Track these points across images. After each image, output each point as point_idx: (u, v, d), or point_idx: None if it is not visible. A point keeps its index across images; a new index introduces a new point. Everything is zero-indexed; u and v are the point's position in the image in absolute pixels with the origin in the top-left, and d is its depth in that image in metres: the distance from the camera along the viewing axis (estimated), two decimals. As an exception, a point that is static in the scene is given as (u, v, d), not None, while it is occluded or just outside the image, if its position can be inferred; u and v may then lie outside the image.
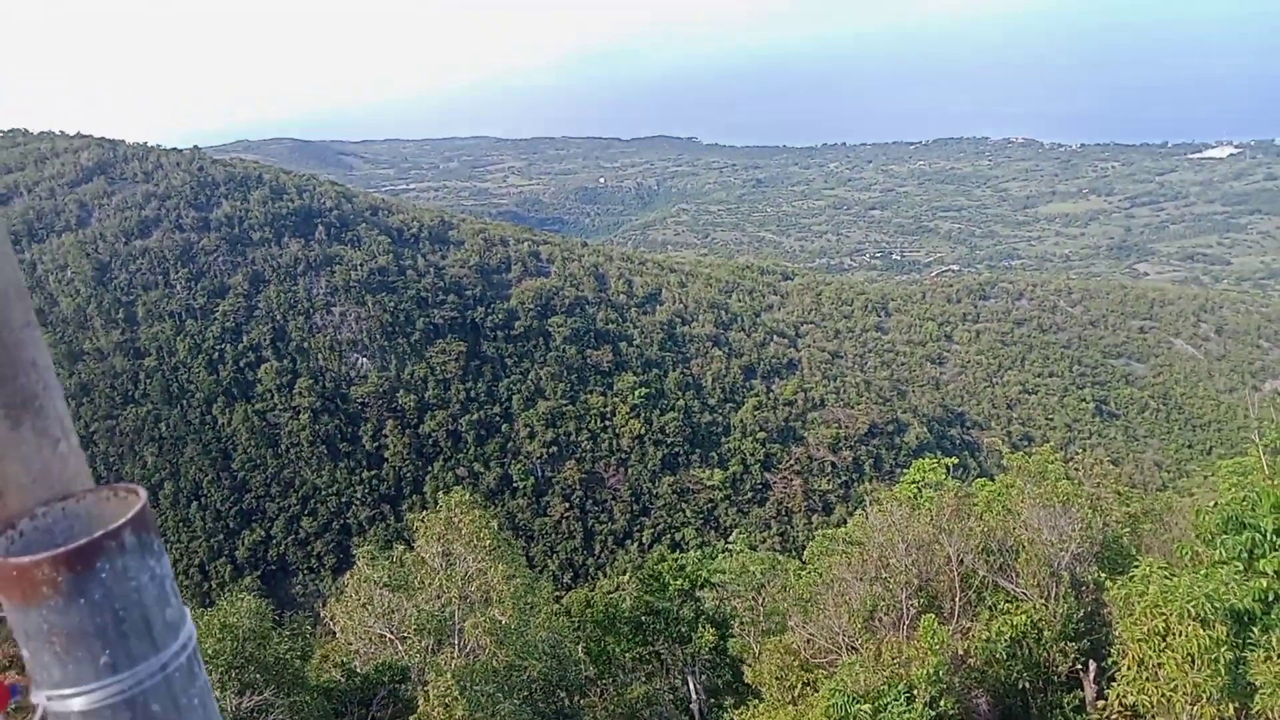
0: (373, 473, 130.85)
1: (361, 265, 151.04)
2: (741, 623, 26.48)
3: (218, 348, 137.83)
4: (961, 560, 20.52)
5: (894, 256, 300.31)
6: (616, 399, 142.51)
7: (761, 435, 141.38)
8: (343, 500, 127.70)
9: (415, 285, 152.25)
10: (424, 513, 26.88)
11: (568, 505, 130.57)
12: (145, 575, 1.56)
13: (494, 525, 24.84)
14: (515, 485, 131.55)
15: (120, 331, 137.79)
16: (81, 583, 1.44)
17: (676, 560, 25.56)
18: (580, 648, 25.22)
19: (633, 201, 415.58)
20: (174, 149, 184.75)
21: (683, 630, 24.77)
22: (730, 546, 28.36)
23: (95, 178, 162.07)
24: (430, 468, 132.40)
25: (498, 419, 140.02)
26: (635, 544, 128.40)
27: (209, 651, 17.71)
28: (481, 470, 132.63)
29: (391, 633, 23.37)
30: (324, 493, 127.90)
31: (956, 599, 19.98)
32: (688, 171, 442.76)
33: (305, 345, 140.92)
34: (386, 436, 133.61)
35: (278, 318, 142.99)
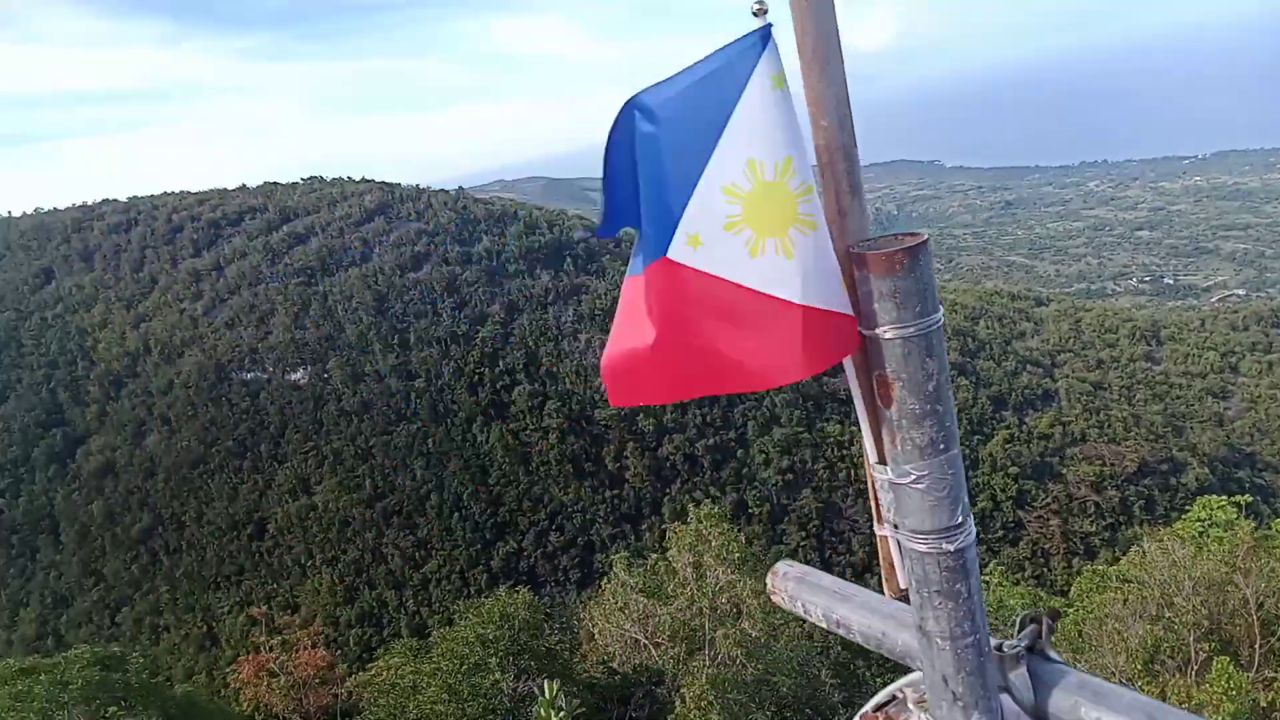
0: (614, 492, 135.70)
1: (605, 295, 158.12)
2: (999, 659, 25.09)
3: (478, 371, 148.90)
4: (1261, 604, 18.52)
5: (1166, 280, 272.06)
6: (854, 427, 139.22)
7: (1013, 470, 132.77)
8: (586, 517, 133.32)
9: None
10: (675, 524, 27.87)
11: (805, 534, 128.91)
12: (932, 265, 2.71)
13: (741, 539, 25.32)
14: (751, 510, 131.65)
15: (395, 355, 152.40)
16: (913, 263, 2.55)
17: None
18: (827, 670, 25.04)
19: (874, 228, 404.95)
20: (441, 190, 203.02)
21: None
22: (987, 579, 27.09)
23: (376, 218, 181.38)
24: (668, 489, 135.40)
25: (733, 444, 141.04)
26: (874, 578, 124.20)
27: (490, 636, 19.52)
28: (718, 494, 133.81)
29: (645, 637, 24.37)
30: (570, 509, 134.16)
31: (1256, 646, 18.03)
32: (929, 195, 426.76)
33: (554, 370, 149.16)
34: (627, 458, 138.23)
35: (530, 344, 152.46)
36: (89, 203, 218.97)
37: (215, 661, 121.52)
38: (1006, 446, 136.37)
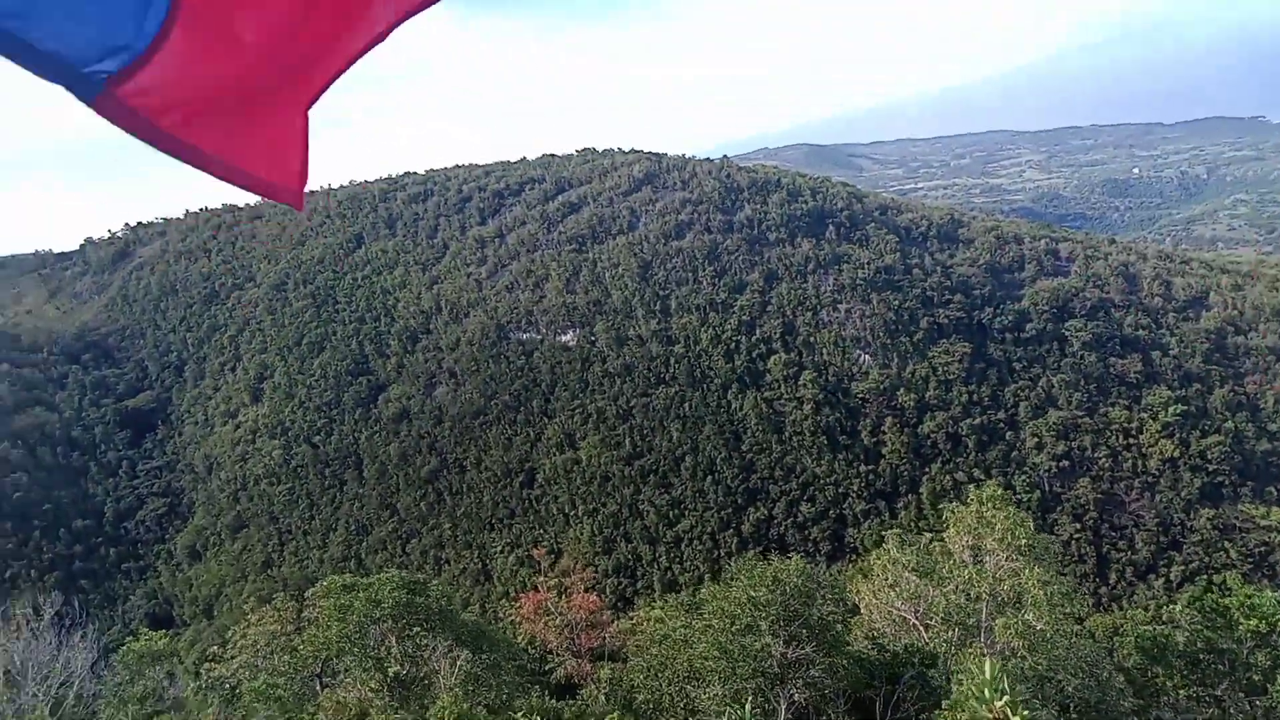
0: (869, 467, 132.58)
1: (869, 264, 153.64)
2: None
3: (735, 339, 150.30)
4: None
5: None
6: (1144, 414, 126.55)
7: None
8: (839, 490, 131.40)
9: (921, 284, 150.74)
10: (954, 504, 26.82)
11: (1079, 526, 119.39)
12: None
13: (1030, 525, 23.92)
14: (1018, 498, 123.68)
15: (657, 321, 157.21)
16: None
17: (1249, 597, 22.16)
18: (1119, 675, 23.23)
19: (1174, 193, 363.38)
20: (706, 159, 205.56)
21: (1255, 679, 21.40)
22: (1326, 592, 23.75)
23: (643, 187, 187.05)
24: (928, 469, 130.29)
25: (1002, 425, 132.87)
26: (1160, 580, 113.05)
27: (762, 599, 19.88)
28: (981, 477, 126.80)
29: (915, 618, 23.79)
30: (822, 481, 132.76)
31: None
32: (1250, 156, 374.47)
33: (811, 340, 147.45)
34: (885, 433, 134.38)
35: (788, 313, 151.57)
36: (393, 175, 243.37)
37: (488, 595, 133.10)
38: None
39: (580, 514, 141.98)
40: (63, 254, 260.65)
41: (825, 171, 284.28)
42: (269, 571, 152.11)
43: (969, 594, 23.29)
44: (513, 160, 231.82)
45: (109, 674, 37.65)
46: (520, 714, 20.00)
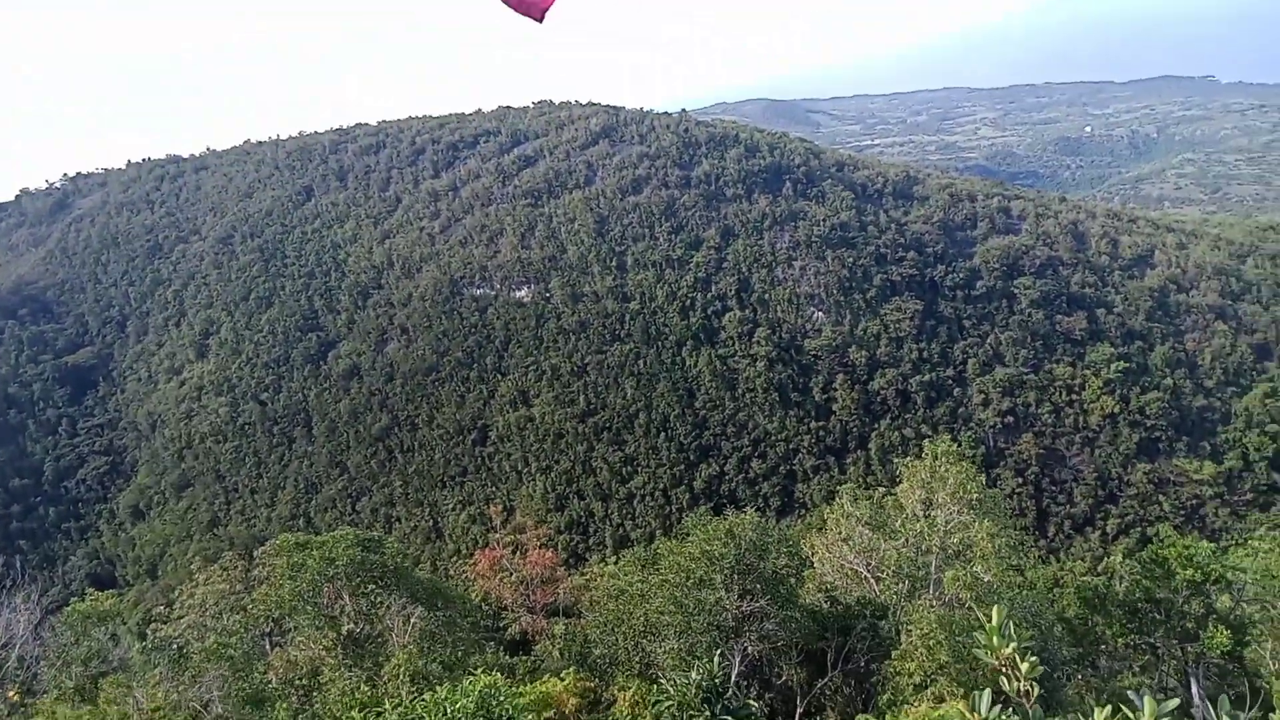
0: (820, 424, 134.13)
1: (824, 221, 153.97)
2: (1262, 632, 22.84)
3: (690, 295, 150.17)
4: None
5: None
6: (1088, 371, 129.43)
7: (1273, 428, 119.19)
8: (790, 447, 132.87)
9: (875, 241, 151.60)
10: (908, 459, 27.01)
11: (1021, 480, 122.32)
12: None
13: (982, 479, 24.20)
14: (964, 453, 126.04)
15: (613, 277, 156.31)
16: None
17: (1186, 548, 22.71)
18: (1060, 625, 23.75)
19: (1124, 152, 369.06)
20: (665, 113, 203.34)
21: (1188, 626, 22.02)
22: (1257, 543, 24.44)
23: (600, 141, 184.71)
24: (877, 425, 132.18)
25: (949, 382, 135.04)
26: (1097, 533, 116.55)
27: (715, 554, 19.86)
28: (929, 433, 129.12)
29: (867, 571, 24.02)
30: (774, 438, 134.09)
31: None
32: (1198, 115, 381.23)
33: (766, 297, 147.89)
34: (836, 390, 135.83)
35: (743, 270, 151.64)
36: (343, 126, 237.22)
37: (439, 553, 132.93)
38: (1267, 402, 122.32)
39: (533, 471, 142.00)
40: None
41: (784, 127, 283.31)
42: (215, 531, 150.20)
43: (920, 547, 23.55)
44: (467, 112, 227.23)
45: (51, 636, 36.85)
46: (477, 670, 19.86)
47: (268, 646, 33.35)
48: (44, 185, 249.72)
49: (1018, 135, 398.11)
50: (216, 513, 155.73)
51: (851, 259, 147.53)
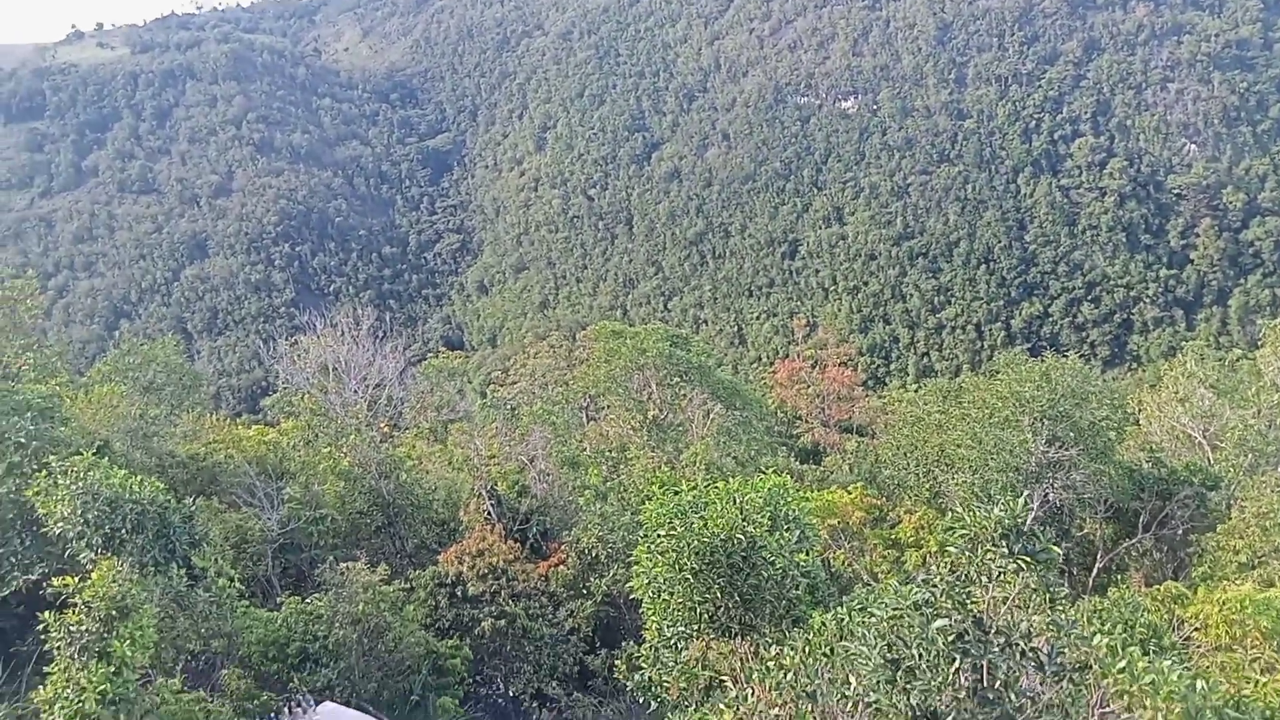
0: (1172, 272, 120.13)
1: (1217, 36, 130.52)
2: None
3: (1035, 116, 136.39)
4: None
5: None
6: None
7: None
8: (1131, 294, 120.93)
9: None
10: (1276, 322, 24.10)
11: None
12: None
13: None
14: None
15: (949, 91, 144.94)
16: None
17: None
18: None
19: None
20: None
21: None
22: None
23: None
24: (1243, 280, 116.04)
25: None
26: None
27: (1027, 395, 19.41)
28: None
29: (1203, 437, 22.38)
30: (1112, 282, 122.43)
31: None
32: None
33: (1128, 123, 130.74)
34: (1198, 236, 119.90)
35: (1104, 91, 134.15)
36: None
37: (740, 359, 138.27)
38: None
39: (840, 290, 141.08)
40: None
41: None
42: (545, 312, 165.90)
43: (1275, 421, 21.44)
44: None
45: (412, 383, 43.29)
46: (768, 470, 21.44)
47: (584, 419, 37.35)
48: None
49: None
50: (547, 295, 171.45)
51: (1245, 84, 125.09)
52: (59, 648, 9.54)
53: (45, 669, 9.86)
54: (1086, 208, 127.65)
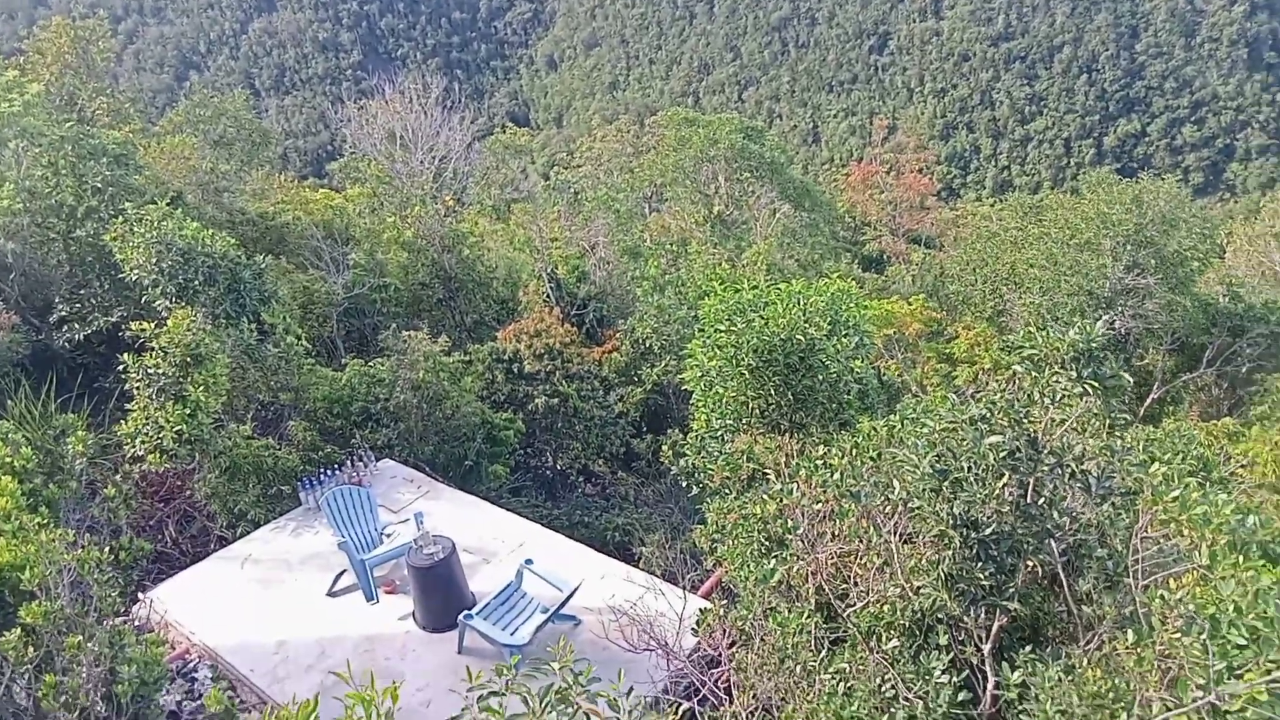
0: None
1: None
2: None
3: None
4: None
5: None
6: None
7: None
8: (1240, 118, 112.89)
9: None
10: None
11: None
12: None
13: None
14: None
15: None
16: None
17: None
18: None
19: None
20: None
21: None
22: None
23: None
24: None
25: None
26: None
27: (1113, 219, 18.69)
28: None
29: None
30: (1222, 103, 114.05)
31: None
32: None
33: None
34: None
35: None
36: None
37: (813, 158, 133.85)
38: None
39: (926, 92, 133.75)
40: None
41: None
42: (614, 94, 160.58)
43: None
44: None
45: (478, 158, 43.04)
46: (831, 275, 21.12)
47: (647, 209, 36.98)
48: None
49: None
50: (617, 76, 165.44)
51: None
52: (138, 388, 10.18)
53: (125, 406, 10.55)
54: (1211, 17, 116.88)
